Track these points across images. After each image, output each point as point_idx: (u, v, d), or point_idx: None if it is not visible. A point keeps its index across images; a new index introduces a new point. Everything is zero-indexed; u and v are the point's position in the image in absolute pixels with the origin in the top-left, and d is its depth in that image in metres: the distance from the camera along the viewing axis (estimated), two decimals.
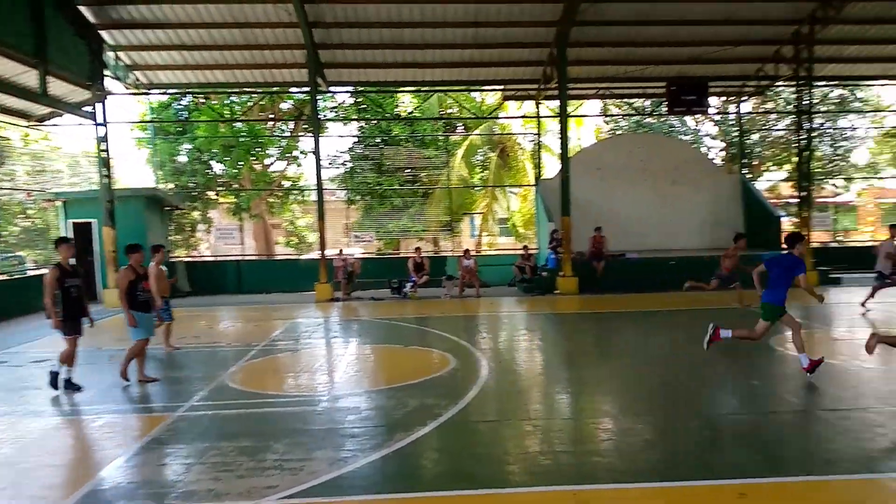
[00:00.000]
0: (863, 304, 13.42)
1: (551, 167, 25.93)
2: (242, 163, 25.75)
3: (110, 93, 17.82)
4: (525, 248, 19.95)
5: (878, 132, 31.65)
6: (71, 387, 8.01)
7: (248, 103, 25.13)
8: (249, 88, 21.67)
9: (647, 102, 23.90)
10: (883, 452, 5.32)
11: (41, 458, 5.64)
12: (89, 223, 18.02)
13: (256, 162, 27.16)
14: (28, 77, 14.79)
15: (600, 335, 12.26)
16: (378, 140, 27.69)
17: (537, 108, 22.61)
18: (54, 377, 7.98)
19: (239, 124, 25.25)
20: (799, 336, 8.02)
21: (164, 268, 10.38)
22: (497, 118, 28.18)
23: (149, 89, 20.02)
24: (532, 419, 6.50)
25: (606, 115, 29.54)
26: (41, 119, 18.50)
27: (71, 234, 17.94)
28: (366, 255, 22.24)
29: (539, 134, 23.54)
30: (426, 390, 7.62)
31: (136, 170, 28.60)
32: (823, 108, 23.67)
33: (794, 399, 7.14)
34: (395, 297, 17.72)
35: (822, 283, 18.08)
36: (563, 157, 17.96)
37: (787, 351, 9.71)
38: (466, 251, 18.37)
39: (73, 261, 8.19)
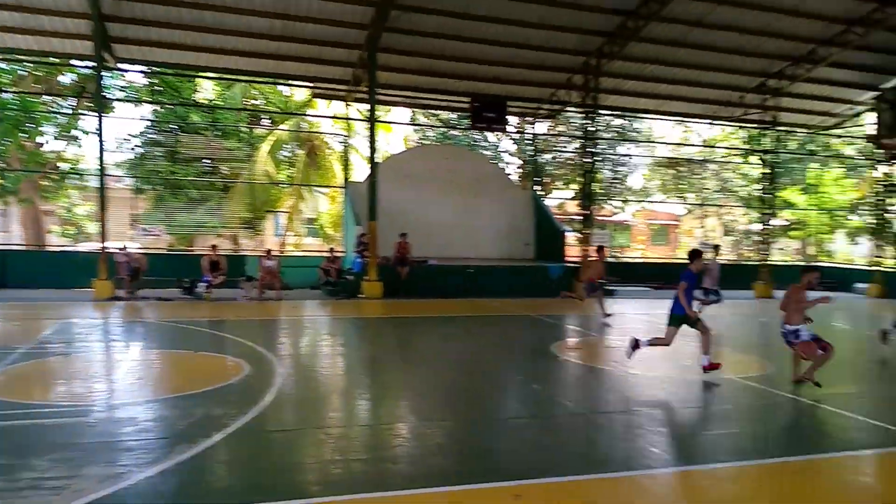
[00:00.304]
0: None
1: (361, 170, 26.02)
2: (10, 139, 22.70)
3: None
4: (331, 250, 19.78)
5: (651, 161, 35.85)
6: None
7: (21, 73, 22.22)
8: (22, 56, 19.16)
9: (454, 115, 24.91)
10: (639, 451, 5.96)
11: None
12: None
13: (28, 140, 24.09)
14: None
15: (401, 340, 12.49)
16: (174, 126, 25.91)
17: (347, 109, 22.57)
18: None
19: (7, 95, 22.22)
20: (707, 339, 8.75)
21: None
22: (305, 115, 27.69)
23: None
24: (327, 427, 6.42)
25: (415, 124, 30.29)
26: None
27: None
28: (154, 251, 20.63)
29: (348, 136, 23.50)
30: (215, 399, 7.21)
31: None
32: (606, 135, 26.26)
33: (569, 403, 7.79)
34: (186, 297, 16.61)
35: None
36: (372, 161, 18.12)
37: (569, 359, 10.59)
38: (269, 251, 17.78)
39: None
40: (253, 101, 27.27)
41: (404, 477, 5.22)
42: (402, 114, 28.09)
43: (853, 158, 29.40)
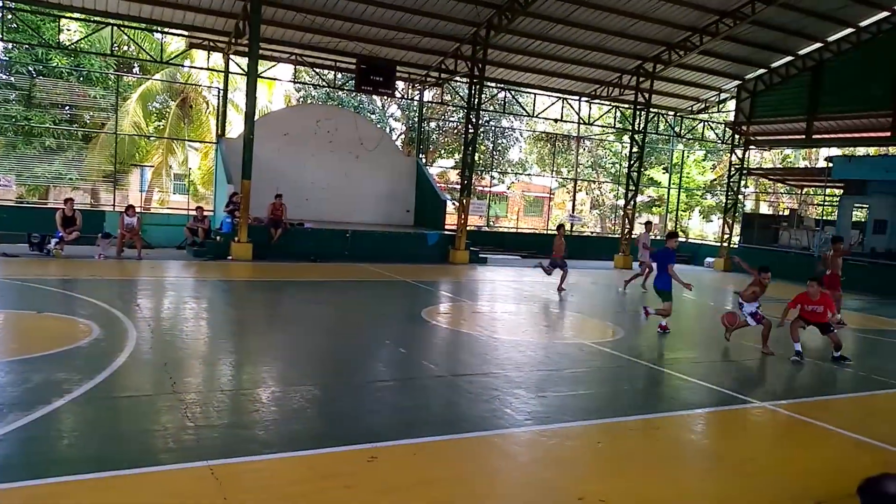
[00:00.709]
0: (624, 288, 15.69)
1: (237, 126, 24.89)
2: None
3: None
4: (199, 209, 18.89)
5: (530, 135, 36.79)
6: None
7: None
8: None
9: (339, 76, 24.29)
10: (494, 412, 6.19)
11: None
12: None
13: None
14: None
15: (269, 304, 12.21)
16: (30, 68, 23.60)
17: (226, 62, 21.45)
18: None
19: None
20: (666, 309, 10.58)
21: None
22: (181, 66, 26.05)
23: None
24: (182, 393, 6.16)
25: (298, 82, 29.28)
26: None
27: None
28: (1, 203, 18.85)
29: (226, 90, 22.37)
30: (57, 363, 6.74)
31: None
32: (490, 108, 26.59)
33: (433, 366, 7.95)
34: (35, 254, 15.32)
35: (472, 261, 20.41)
36: (249, 117, 17.33)
37: (438, 324, 10.77)
38: (130, 207, 16.67)
39: None
40: (125, 49, 25.27)
41: (259, 443, 5.13)
42: (285, 71, 27.04)
43: (714, 143, 31.54)
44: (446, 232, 21.60)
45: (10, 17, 20.91)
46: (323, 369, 7.69)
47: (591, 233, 37.04)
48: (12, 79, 23.71)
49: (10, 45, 23.53)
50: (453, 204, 27.90)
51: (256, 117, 17.78)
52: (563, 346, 9.34)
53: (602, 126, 29.80)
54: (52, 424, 5.22)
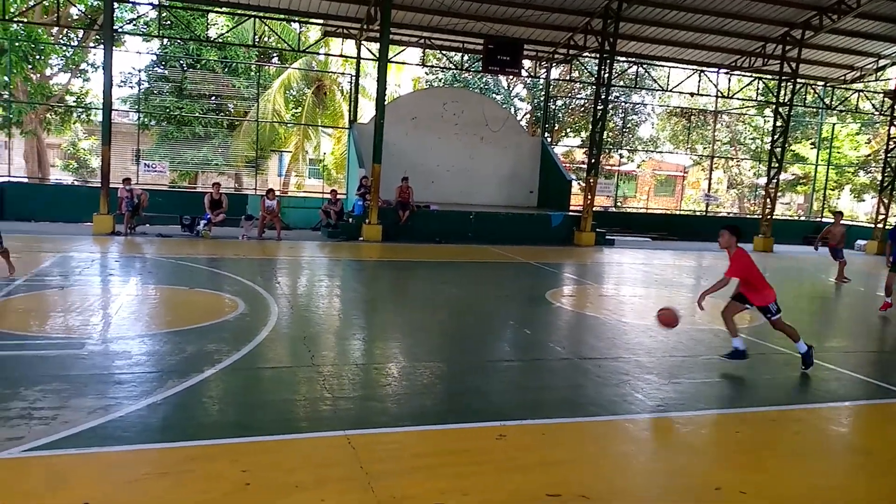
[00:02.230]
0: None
1: (368, 111, 25.67)
2: (16, 71, 22.43)
3: None
4: (333, 192, 19.70)
5: (663, 110, 35.23)
6: None
7: (29, 2, 21.80)
8: None
9: (466, 58, 24.41)
10: (623, 397, 6.02)
11: None
12: None
13: (34, 71, 23.81)
14: None
15: (397, 283, 12.56)
16: (182, 62, 25.50)
17: (358, 48, 22.11)
18: None
19: (16, 26, 21.84)
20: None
21: None
22: (316, 54, 27.17)
23: None
24: (318, 365, 6.48)
25: (426, 66, 29.70)
26: None
27: None
28: (156, 187, 20.59)
29: (357, 76, 23.10)
30: (208, 335, 7.29)
31: None
32: (621, 83, 25.73)
33: (559, 348, 7.84)
34: (186, 234, 16.66)
35: (598, 243, 19.92)
36: (380, 102, 17.81)
37: (563, 306, 10.63)
38: (270, 191, 17.71)
39: None
40: (265, 39, 26.74)
41: (391, 415, 5.30)
42: (414, 54, 27.55)
43: (870, 114, 28.78)
44: (571, 213, 21.21)
45: (164, 14, 22.70)
46: (449, 347, 7.81)
47: (728, 213, 35.04)
48: (166, 72, 25.74)
49: (164, 41, 25.54)
50: (579, 184, 27.34)
51: (386, 102, 18.23)
52: (698, 332, 8.91)
53: (742, 99, 27.94)
54: (203, 391, 5.66)
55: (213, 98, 26.79)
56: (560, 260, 16.33)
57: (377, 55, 18.43)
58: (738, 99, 27.77)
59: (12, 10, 21.40)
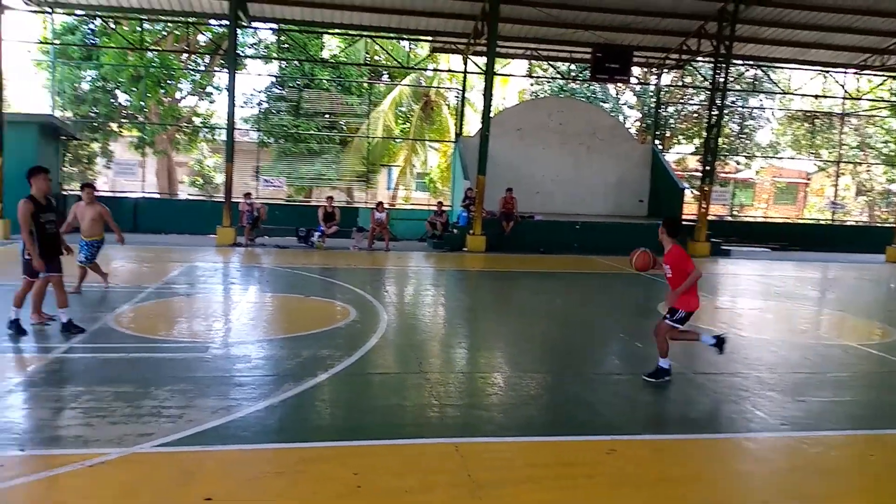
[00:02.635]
0: None
1: (473, 124, 25.91)
2: (150, 95, 24.36)
3: (8, 7, 16.34)
4: (439, 204, 19.97)
5: (784, 114, 33.31)
6: (17, 329, 7.24)
7: (163, 32, 23.63)
8: (165, 16, 20.36)
9: (573, 67, 24.15)
10: (742, 414, 5.69)
11: None
12: None
13: (166, 95, 25.76)
14: None
15: (501, 293, 12.53)
16: (298, 82, 26.77)
17: (465, 63, 22.40)
18: (14, 324, 7.22)
19: (150, 54, 23.77)
20: None
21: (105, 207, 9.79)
22: (424, 69, 27.75)
23: (52, 8, 18.52)
24: (425, 372, 6.56)
25: (532, 76, 29.62)
26: None
27: None
28: (273, 201, 21.63)
29: (464, 90, 23.39)
30: (322, 341, 7.55)
31: (32, 94, 26.44)
32: (737, 87, 24.57)
33: (672, 362, 7.52)
34: (301, 245, 17.40)
35: (713, 253, 19.04)
36: (485, 114, 17.95)
37: None
38: (380, 204, 18.20)
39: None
40: (375, 58, 27.64)
41: (497, 425, 5.28)
42: (520, 66, 27.58)
43: None
44: (684, 222, 20.39)
45: (283, 38, 23.93)
46: (555, 358, 7.68)
47: (857, 222, 32.55)
48: (284, 92, 27.08)
49: (282, 63, 26.92)
50: (692, 192, 26.29)
51: (492, 115, 18.33)
52: (824, 348, 8.30)
53: (873, 100, 25.95)
54: (317, 395, 5.86)
55: (326, 116, 27.91)
56: None
57: (484, 69, 18.56)
58: (867, 100, 25.84)
59: (148, 39, 23.28)
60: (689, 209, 22.47)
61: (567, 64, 23.17)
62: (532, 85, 32.72)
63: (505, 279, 14.12)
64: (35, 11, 18.57)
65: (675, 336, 6.62)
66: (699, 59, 22.01)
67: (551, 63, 23.96)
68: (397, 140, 28.36)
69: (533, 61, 25.02)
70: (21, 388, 5.65)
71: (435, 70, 27.81)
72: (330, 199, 18.36)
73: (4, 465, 4.15)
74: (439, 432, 5.04)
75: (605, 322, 10.01)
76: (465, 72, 22.65)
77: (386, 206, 18.62)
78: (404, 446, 4.77)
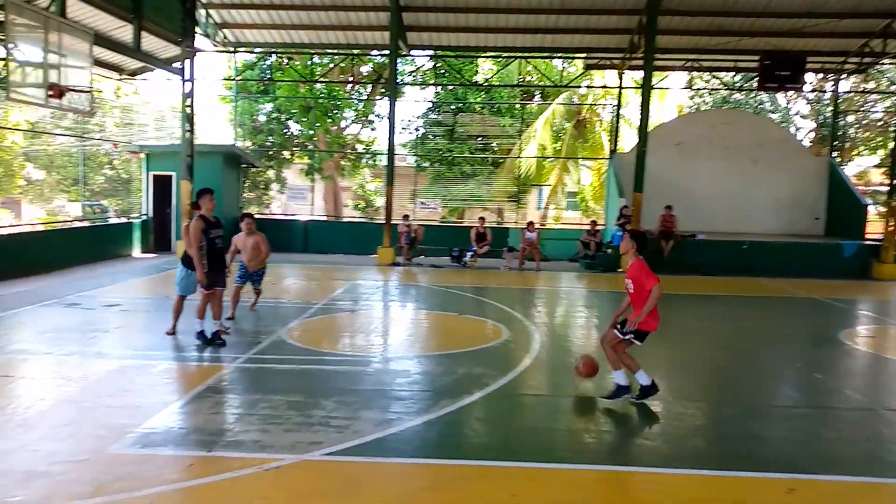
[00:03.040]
0: None
1: (628, 140, 25.22)
2: (319, 124, 26.17)
3: (199, 50, 18.17)
4: (593, 223, 19.56)
5: None
6: (204, 339, 7.95)
7: (329, 65, 25.39)
8: (332, 50, 21.89)
9: (738, 77, 22.80)
10: None
11: (101, 399, 5.92)
12: (169, 176, 18.67)
13: (332, 124, 27.55)
14: (123, 32, 15.32)
15: (660, 316, 11.95)
16: (453, 106, 27.55)
17: (620, 78, 21.90)
18: (201, 335, 7.92)
19: (319, 85, 25.60)
20: None
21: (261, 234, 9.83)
22: (578, 87, 27.47)
23: (235, 48, 20.53)
24: (581, 396, 6.42)
25: (692, 88, 28.37)
26: (133, 73, 19.21)
27: (151, 186, 18.74)
28: (429, 222, 22.28)
29: (619, 105, 22.86)
30: (476, 359, 7.63)
31: (216, 127, 29.33)
32: None
33: (858, 396, 6.79)
34: (454, 265, 17.75)
35: None
36: (642, 130, 17.39)
37: (861, 347, 9.24)
38: (531, 223, 18.16)
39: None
40: (528, 78, 27.85)
41: (661, 455, 5.04)
42: (678, 79, 26.54)
43: None
44: (867, 242, 18.47)
45: (439, 64, 24.78)
46: (722, 387, 7.21)
47: None
48: (440, 117, 27.98)
49: (437, 88, 27.86)
50: (876, 209, 23.78)
51: (649, 129, 17.74)
52: None
53: None
54: (472, 412, 5.92)
55: (478, 138, 28.44)
56: (854, 295, 14.25)
57: (640, 83, 18.05)
58: None
59: (317, 72, 25.06)
60: (874, 227, 20.30)
61: (731, 74, 21.88)
62: (692, 97, 31.32)
63: (664, 302, 13.37)
64: (221, 51, 20.62)
65: (619, 349, 6.29)
66: (885, 61, 19.94)
67: (714, 74, 22.78)
68: (548, 159, 28.24)
69: (693, 73, 23.94)
70: (207, 393, 6.21)
71: (588, 87, 27.43)
72: (482, 219, 18.61)
73: (194, 465, 4.58)
74: (598, 459, 4.90)
75: (778, 350, 9.24)
76: (621, 87, 22.12)
77: (536, 225, 18.54)
78: (562, 471, 4.68)
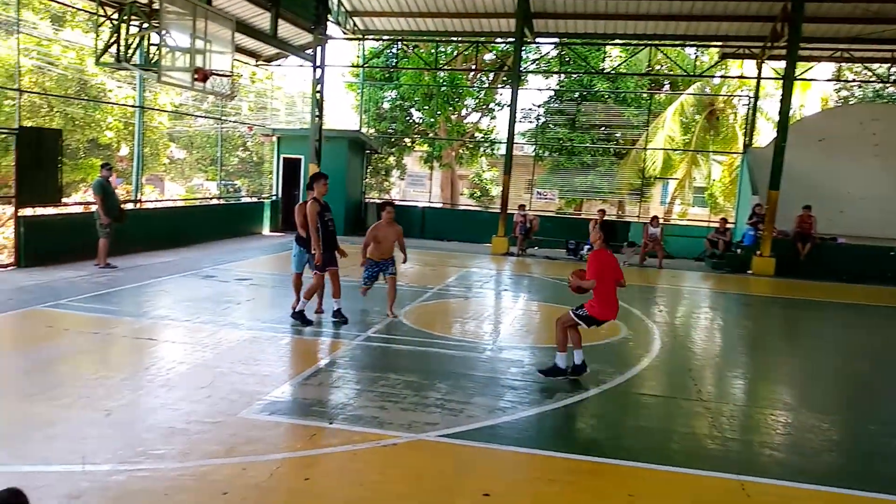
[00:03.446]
0: None
1: (764, 135, 23.74)
2: (440, 112, 26.46)
3: (330, 37, 18.79)
4: (723, 220, 18.57)
5: None
6: (339, 317, 8.19)
7: (453, 53, 25.59)
8: (457, 38, 22.06)
9: (893, 69, 20.82)
10: None
11: (234, 366, 6.29)
12: (298, 159, 19.57)
13: (453, 112, 27.77)
14: (262, 19, 16.24)
15: (790, 323, 11.22)
16: (576, 95, 27.01)
17: (759, 68, 20.59)
18: (300, 315, 8.01)
19: (441, 73, 25.87)
20: None
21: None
22: (712, 77, 26.11)
23: (364, 35, 21.13)
24: (703, 400, 6.13)
25: (840, 80, 26.23)
26: (268, 59, 20.30)
27: (281, 169, 19.72)
28: (544, 213, 22.01)
29: (756, 97, 21.53)
30: (593, 355, 7.42)
31: (342, 113, 30.34)
32: None
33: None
34: (570, 258, 17.44)
35: None
36: (782, 124, 16.29)
37: None
38: (655, 218, 17.52)
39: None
40: (657, 67, 26.84)
41: (789, 468, 4.73)
42: (824, 69, 24.60)
43: None
44: None
45: (564, 51, 24.35)
46: (860, 402, 6.66)
47: None
48: (561, 106, 27.52)
49: (561, 77, 27.39)
50: None
51: (789, 123, 16.59)
52: None
53: None
54: (587, 408, 5.81)
55: (602, 128, 27.74)
56: None
57: (781, 73, 16.90)
58: None
59: (441, 59, 25.32)
60: None
61: (887, 65, 20.00)
62: (838, 90, 28.96)
63: (798, 308, 12.61)
64: (350, 39, 21.29)
65: (565, 331, 6.49)
66: None
67: (866, 66, 20.94)
68: (676, 151, 27.09)
69: (842, 63, 22.10)
70: (329, 368, 6.47)
71: (723, 77, 25.99)
72: (602, 212, 18.17)
73: (317, 435, 4.77)
74: (720, 466, 4.65)
75: None
76: (759, 77, 20.79)
77: (660, 220, 17.86)
78: (681, 475, 4.49)
